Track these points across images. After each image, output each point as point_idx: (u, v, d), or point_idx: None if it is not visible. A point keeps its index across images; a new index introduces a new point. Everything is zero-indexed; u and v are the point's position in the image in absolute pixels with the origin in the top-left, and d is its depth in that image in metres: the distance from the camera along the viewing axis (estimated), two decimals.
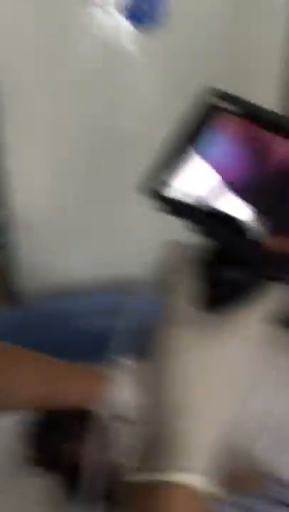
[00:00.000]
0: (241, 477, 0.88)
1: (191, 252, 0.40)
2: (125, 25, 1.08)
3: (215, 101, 0.35)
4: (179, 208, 0.35)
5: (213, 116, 0.35)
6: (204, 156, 0.35)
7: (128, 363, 0.75)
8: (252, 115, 0.34)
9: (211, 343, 0.36)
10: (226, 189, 0.34)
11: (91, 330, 1.25)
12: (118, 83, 1.16)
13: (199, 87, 0.36)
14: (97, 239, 1.36)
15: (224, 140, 0.35)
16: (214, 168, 0.35)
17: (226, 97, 0.35)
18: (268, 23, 1.17)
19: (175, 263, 0.39)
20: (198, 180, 0.35)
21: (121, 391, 0.71)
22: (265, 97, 0.84)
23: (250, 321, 0.37)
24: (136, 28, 1.08)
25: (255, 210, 0.33)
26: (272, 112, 0.34)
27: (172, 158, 0.35)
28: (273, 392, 1.04)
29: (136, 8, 1.05)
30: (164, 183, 0.35)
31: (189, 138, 0.35)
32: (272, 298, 0.37)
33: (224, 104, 0.35)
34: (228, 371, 0.36)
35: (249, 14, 1.15)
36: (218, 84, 0.37)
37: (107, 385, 0.69)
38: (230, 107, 0.35)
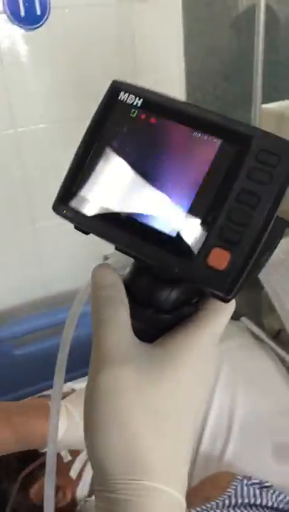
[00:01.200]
0: (212, 481, 0.88)
1: (122, 275, 0.35)
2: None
3: (118, 94, 0.33)
4: (98, 227, 0.32)
5: (115, 109, 0.33)
6: (112, 154, 0.33)
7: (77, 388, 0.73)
8: (150, 103, 0.32)
9: (156, 379, 0.31)
10: (143, 188, 0.31)
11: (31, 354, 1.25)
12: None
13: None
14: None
15: (128, 135, 0.32)
16: (126, 164, 0.32)
17: (128, 88, 0.33)
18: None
19: (107, 290, 0.33)
20: (111, 186, 0.32)
21: (73, 423, 0.67)
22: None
23: (196, 345, 0.32)
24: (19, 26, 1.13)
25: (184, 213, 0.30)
26: (170, 98, 0.33)
27: (80, 168, 0.33)
28: (232, 397, 1.05)
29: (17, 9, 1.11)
30: (79, 199, 0.33)
31: (94, 138, 0.33)
32: (209, 317, 0.33)
33: (126, 97, 0.33)
34: (181, 404, 0.31)
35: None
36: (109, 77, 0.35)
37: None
38: (132, 99, 0.33)
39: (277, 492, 0.83)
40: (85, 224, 0.33)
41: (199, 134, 0.31)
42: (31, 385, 1.25)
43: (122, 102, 0.33)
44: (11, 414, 0.67)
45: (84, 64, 1.24)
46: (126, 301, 0.33)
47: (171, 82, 1.35)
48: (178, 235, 0.30)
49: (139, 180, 0.32)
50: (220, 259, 0.29)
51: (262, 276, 1.15)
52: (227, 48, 1.55)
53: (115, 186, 0.32)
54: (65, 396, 0.73)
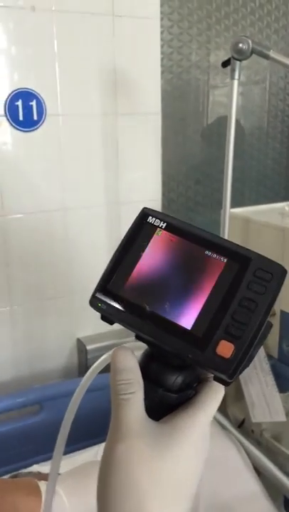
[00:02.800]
0: None
1: (138, 358, 0.41)
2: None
3: (147, 218, 0.42)
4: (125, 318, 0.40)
5: (144, 229, 0.42)
6: (141, 263, 0.41)
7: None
8: (172, 226, 0.41)
9: (163, 453, 0.36)
10: (165, 295, 0.40)
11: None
12: None
13: None
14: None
15: (154, 248, 0.41)
16: (152, 271, 0.40)
17: (155, 214, 0.42)
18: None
19: (128, 374, 0.39)
20: (139, 288, 0.40)
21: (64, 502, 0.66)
22: None
23: (197, 424, 0.38)
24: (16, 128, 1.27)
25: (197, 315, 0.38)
26: (186, 224, 0.42)
27: (114, 271, 0.41)
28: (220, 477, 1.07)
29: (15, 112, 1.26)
30: (112, 296, 0.40)
31: (127, 249, 0.42)
32: (205, 400, 0.40)
33: (153, 220, 0.42)
34: (182, 475, 0.37)
35: None
36: None
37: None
38: (158, 222, 0.42)
39: None
40: (114, 316, 0.40)
41: (210, 253, 0.40)
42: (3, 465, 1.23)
43: (150, 223, 0.42)
44: None
45: (73, 160, 1.37)
46: (142, 383, 0.39)
47: (149, 184, 1.50)
48: (193, 329, 0.38)
49: (163, 284, 0.40)
50: (226, 349, 0.36)
51: None
52: (198, 156, 1.74)
53: (143, 288, 0.40)
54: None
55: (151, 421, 0.39)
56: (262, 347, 1.20)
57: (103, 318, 0.41)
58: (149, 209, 0.43)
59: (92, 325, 1.46)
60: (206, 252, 0.40)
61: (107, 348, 1.69)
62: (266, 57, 1.00)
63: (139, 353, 0.43)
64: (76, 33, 1.30)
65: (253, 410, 1.21)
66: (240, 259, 0.39)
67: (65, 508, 0.67)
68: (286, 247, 1.19)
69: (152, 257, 0.41)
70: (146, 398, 0.39)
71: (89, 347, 1.43)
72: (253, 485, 1.10)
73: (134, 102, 1.41)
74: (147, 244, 0.41)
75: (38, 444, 1.21)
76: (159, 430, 0.38)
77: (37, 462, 1.16)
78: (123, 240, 0.42)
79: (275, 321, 1.25)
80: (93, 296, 0.41)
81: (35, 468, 1.12)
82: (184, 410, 0.39)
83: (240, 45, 1.00)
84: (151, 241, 0.41)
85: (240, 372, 0.37)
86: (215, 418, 1.35)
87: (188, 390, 0.41)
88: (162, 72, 1.46)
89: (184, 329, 0.38)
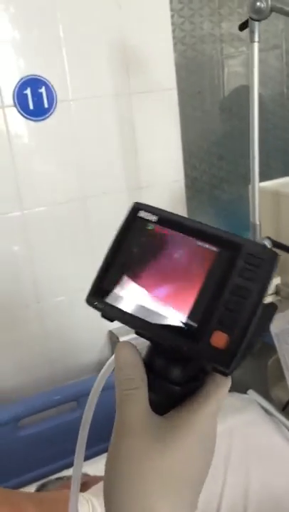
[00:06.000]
0: None
1: (142, 354, 0.41)
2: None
3: (138, 212, 0.42)
4: (122, 316, 0.39)
5: (136, 223, 0.42)
6: (134, 259, 0.40)
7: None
8: (163, 220, 0.41)
9: (168, 448, 0.36)
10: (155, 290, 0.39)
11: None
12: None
13: None
14: None
15: (146, 243, 0.41)
16: (145, 266, 0.40)
17: (146, 208, 0.42)
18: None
19: (130, 370, 0.39)
20: (134, 284, 0.40)
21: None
22: None
23: (202, 417, 0.37)
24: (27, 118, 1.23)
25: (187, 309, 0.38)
26: (178, 216, 0.41)
27: (108, 269, 0.41)
28: (245, 476, 1.03)
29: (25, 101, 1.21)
30: (107, 293, 0.40)
31: (120, 245, 0.41)
32: (210, 393, 0.38)
33: (144, 215, 0.42)
34: (187, 468, 0.36)
35: None
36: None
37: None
38: (149, 216, 0.42)
39: None
40: (112, 313, 0.40)
41: (201, 243, 0.39)
42: (36, 468, 1.21)
43: (141, 218, 0.42)
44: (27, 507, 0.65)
45: (88, 146, 1.32)
46: (145, 378, 0.39)
47: (170, 164, 1.43)
48: (187, 321, 0.37)
49: (156, 278, 0.39)
50: (220, 340, 0.36)
51: (277, 344, 1.17)
52: (219, 130, 1.66)
53: (137, 284, 0.40)
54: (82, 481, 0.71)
55: (155, 416, 0.38)
56: None
57: (103, 316, 0.41)
58: (140, 203, 0.43)
59: None
60: (198, 243, 0.39)
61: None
62: (287, 14, 0.92)
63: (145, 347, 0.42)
64: (80, 12, 1.23)
65: None
66: (231, 247, 0.38)
67: None
68: None
69: (145, 251, 0.41)
70: (151, 392, 0.39)
71: (122, 338, 1.39)
72: None
73: (148, 79, 1.34)
74: (139, 239, 0.41)
75: (76, 442, 1.18)
76: (163, 424, 0.37)
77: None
78: (115, 237, 0.42)
79: None
80: (89, 295, 0.41)
81: (64, 473, 1.09)
82: (189, 403, 0.39)
83: (258, 3, 0.92)
84: (144, 236, 0.41)
85: (240, 361, 0.36)
86: (257, 402, 1.30)
87: (194, 382, 0.40)
88: (174, 44, 1.38)
89: (179, 322, 0.38)
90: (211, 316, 0.37)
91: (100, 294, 0.41)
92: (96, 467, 0.65)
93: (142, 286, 0.39)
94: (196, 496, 0.37)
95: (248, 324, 0.36)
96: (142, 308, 0.39)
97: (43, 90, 1.21)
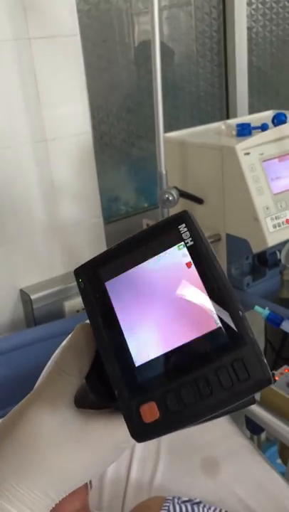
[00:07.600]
0: (142, 509, 0.87)
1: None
2: None
3: (180, 223, 0.36)
4: None
5: (170, 233, 0.35)
6: (145, 269, 0.36)
7: None
8: (198, 255, 0.35)
9: (66, 444, 0.35)
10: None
11: None
12: None
13: None
14: None
15: (164, 261, 0.35)
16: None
17: (190, 225, 0.35)
18: None
19: (76, 352, 0.37)
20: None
21: None
22: None
23: (113, 439, 0.36)
24: None
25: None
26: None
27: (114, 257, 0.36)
28: None
29: None
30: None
31: (142, 243, 0.36)
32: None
33: (183, 230, 0.35)
34: (65, 473, 0.36)
35: None
36: None
37: None
38: (186, 236, 0.35)
39: (208, 505, 0.85)
40: (85, 301, 0.36)
41: (212, 306, 0.32)
42: None
43: (179, 232, 0.35)
44: None
45: None
46: (85, 370, 0.37)
47: (76, 116, 1.38)
48: (138, 369, 0.33)
49: (147, 308, 0.35)
50: (149, 413, 0.32)
51: None
52: (127, 82, 1.62)
53: (125, 292, 0.36)
54: None
55: (73, 408, 0.36)
56: None
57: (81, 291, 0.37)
58: (191, 216, 0.36)
59: (33, 274, 1.38)
60: (208, 304, 0.33)
61: (52, 296, 1.62)
62: None
63: None
64: None
65: None
66: (232, 333, 0.32)
67: None
68: (225, 166, 1.13)
69: (157, 269, 0.35)
70: (87, 383, 0.37)
71: (33, 296, 1.36)
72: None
73: (48, 23, 1.27)
74: (162, 251, 0.35)
75: None
76: (75, 422, 0.36)
77: None
78: (141, 232, 0.36)
79: (222, 246, 1.22)
80: (81, 267, 0.37)
81: None
82: (110, 420, 0.36)
83: None
84: (167, 252, 0.35)
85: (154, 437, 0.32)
86: None
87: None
88: None
89: (131, 363, 0.34)
90: (159, 384, 0.32)
91: (91, 275, 0.36)
92: None
93: (128, 299, 0.35)
94: (57, 493, 0.36)
95: (186, 421, 0.32)
96: (112, 322, 0.35)
97: None
